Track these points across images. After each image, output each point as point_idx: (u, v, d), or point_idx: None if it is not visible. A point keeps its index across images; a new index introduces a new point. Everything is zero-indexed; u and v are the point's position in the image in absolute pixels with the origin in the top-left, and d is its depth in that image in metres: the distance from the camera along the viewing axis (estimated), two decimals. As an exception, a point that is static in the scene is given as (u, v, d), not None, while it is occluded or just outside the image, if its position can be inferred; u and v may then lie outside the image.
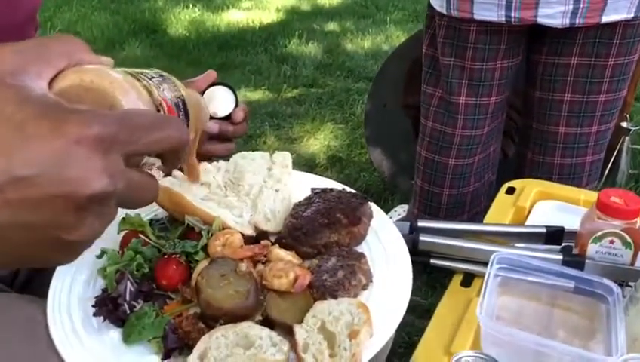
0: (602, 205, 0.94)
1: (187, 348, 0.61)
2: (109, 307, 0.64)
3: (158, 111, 0.44)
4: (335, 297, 0.64)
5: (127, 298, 0.63)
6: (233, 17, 4.24)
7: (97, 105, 0.40)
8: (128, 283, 0.64)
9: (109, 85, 0.41)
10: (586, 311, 0.93)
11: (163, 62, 3.61)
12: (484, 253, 1.03)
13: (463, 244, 1.08)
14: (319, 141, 2.74)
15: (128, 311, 0.63)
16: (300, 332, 0.60)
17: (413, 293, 0.69)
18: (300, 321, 0.63)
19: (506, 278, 0.98)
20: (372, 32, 3.96)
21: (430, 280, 1.89)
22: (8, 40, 0.45)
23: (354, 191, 0.79)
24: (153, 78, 0.47)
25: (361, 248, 0.76)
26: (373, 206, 0.77)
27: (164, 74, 0.50)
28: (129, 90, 0.42)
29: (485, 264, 0.95)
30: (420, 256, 1.11)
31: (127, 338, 0.62)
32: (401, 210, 2.28)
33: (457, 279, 1.09)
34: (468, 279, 1.10)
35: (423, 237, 1.09)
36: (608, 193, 0.90)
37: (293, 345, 0.60)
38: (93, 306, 0.65)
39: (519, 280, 0.97)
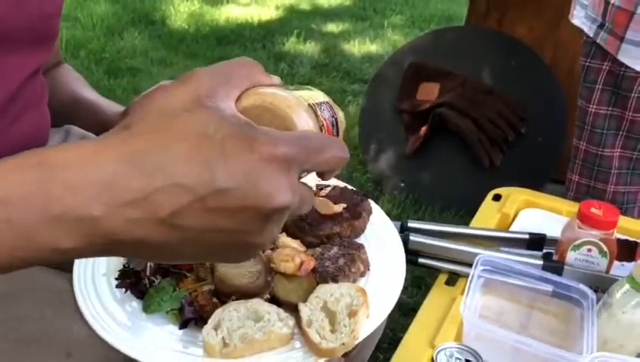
0: (582, 215, 0.98)
1: (201, 320, 0.67)
2: (131, 279, 0.70)
3: (321, 130, 0.48)
4: (336, 281, 0.71)
5: (148, 273, 0.69)
6: (232, 12, 4.27)
7: (274, 125, 0.44)
8: (148, 260, 0.68)
9: (286, 108, 0.45)
10: (562, 314, 0.97)
11: (161, 53, 3.64)
12: (469, 255, 1.08)
13: (450, 246, 1.13)
14: (313, 140, 2.78)
15: (148, 285, 0.69)
16: (304, 309, 0.67)
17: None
18: (304, 301, 0.69)
19: (489, 279, 1.02)
20: (369, 35, 4.01)
21: (415, 280, 1.95)
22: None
23: (355, 189, 0.85)
24: (312, 97, 0.50)
25: (360, 240, 0.82)
26: (372, 203, 0.84)
27: (321, 93, 0.53)
28: (302, 112, 0.46)
29: (470, 265, 1.00)
30: (409, 255, 1.17)
31: (147, 309, 0.68)
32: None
33: (442, 278, 1.15)
34: (452, 279, 1.15)
35: (412, 237, 1.15)
36: (589, 204, 0.94)
37: (298, 321, 0.66)
38: (116, 279, 0.71)
39: (501, 282, 1.02)
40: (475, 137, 2.28)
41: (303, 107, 0.47)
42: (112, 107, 0.92)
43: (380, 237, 0.82)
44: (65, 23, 3.81)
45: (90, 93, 0.96)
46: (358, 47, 3.83)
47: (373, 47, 3.85)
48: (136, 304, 0.70)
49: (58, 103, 0.88)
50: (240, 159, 0.37)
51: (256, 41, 3.80)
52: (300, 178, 0.44)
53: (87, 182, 0.36)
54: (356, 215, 0.78)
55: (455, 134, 2.33)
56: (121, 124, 0.40)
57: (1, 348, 0.63)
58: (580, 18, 1.48)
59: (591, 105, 1.50)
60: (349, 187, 0.87)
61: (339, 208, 0.77)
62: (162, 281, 0.69)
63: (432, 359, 0.78)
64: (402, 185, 2.39)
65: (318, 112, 0.48)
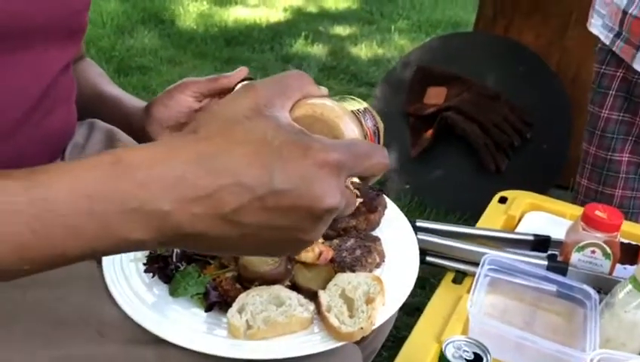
0: (587, 218, 1.00)
1: (225, 304, 0.70)
2: (159, 264, 0.73)
3: (365, 138, 0.52)
4: (353, 271, 0.75)
5: (174, 259, 0.72)
6: (240, 14, 4.30)
7: (324, 133, 0.47)
8: (175, 247, 0.70)
9: (335, 118, 0.50)
10: (566, 313, 0.98)
11: (170, 52, 3.67)
12: (475, 254, 1.10)
13: (457, 245, 1.16)
14: (320, 141, 2.81)
15: (174, 271, 0.72)
16: (323, 296, 0.70)
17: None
18: (323, 289, 0.73)
19: (495, 279, 1.04)
20: (376, 39, 4.04)
21: (419, 280, 1.97)
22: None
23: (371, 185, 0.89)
24: (359, 109, 0.54)
25: (376, 233, 0.85)
26: (386, 198, 0.87)
27: (364, 103, 0.58)
28: (348, 122, 0.50)
29: (476, 264, 1.02)
30: (417, 253, 1.19)
31: (174, 292, 0.71)
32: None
33: (449, 277, 1.17)
34: (459, 277, 1.17)
35: (420, 236, 1.17)
36: (594, 207, 0.96)
37: (317, 307, 0.70)
38: (144, 264, 0.74)
39: (507, 281, 1.04)
40: (481, 142, 2.30)
41: (349, 116, 0.51)
42: (132, 101, 0.95)
43: (395, 230, 0.85)
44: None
45: (112, 88, 0.98)
46: (365, 51, 3.86)
47: (380, 51, 3.87)
48: (163, 288, 0.73)
49: (82, 97, 0.90)
50: (296, 164, 0.41)
51: (265, 43, 3.83)
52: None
53: (158, 179, 0.40)
54: (372, 209, 0.82)
55: (461, 138, 2.35)
56: (189, 128, 0.44)
57: (38, 329, 0.66)
58: (597, 27, 1.51)
59: (603, 111, 1.53)
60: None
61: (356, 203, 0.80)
62: (187, 267, 0.73)
63: (441, 352, 0.80)
64: (407, 187, 2.42)
65: (362, 121, 0.52)
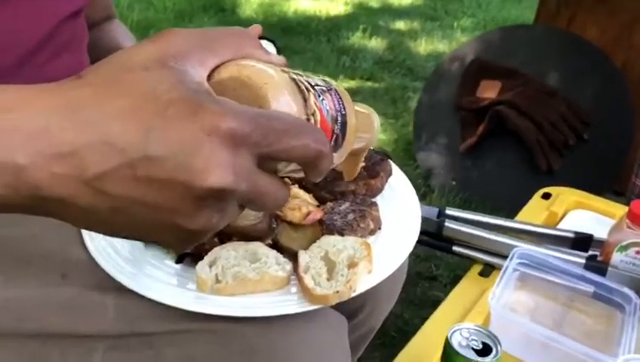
0: (633, 215, 0.93)
1: (200, 258, 0.66)
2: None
3: (308, 119, 0.42)
4: (342, 235, 0.69)
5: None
6: (301, 5, 4.30)
7: (249, 103, 0.38)
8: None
9: (263, 85, 0.40)
10: (602, 317, 0.93)
11: (228, 39, 3.70)
12: (506, 247, 1.04)
13: (486, 235, 1.09)
14: (367, 132, 2.76)
15: (152, 221, 0.68)
16: (303, 256, 0.65)
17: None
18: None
19: (525, 274, 0.98)
20: (437, 35, 3.95)
21: (442, 275, 1.89)
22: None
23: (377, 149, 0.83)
24: (317, 85, 0.45)
25: (377, 200, 0.79)
26: (395, 167, 0.80)
27: (335, 85, 0.48)
28: (282, 92, 0.40)
29: (506, 258, 0.96)
30: (443, 242, 1.12)
31: (147, 243, 0.67)
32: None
33: (476, 269, 1.11)
34: (487, 270, 1.11)
35: (448, 224, 1.11)
36: None
37: (296, 268, 0.64)
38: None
39: (538, 278, 0.98)
40: (534, 138, 2.19)
41: (288, 87, 0.41)
42: None
43: (398, 199, 0.78)
44: (138, 4, 3.94)
45: None
46: (425, 46, 3.77)
47: (440, 47, 3.78)
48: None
49: (103, 55, 0.90)
50: (179, 126, 0.33)
51: (322, 34, 3.80)
52: (279, 170, 0.39)
53: (14, 127, 0.33)
54: (374, 174, 0.75)
55: (513, 134, 2.24)
56: (80, 73, 0.37)
57: (2, 268, 0.64)
58: None
59: None
60: (371, 147, 0.83)
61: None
62: (167, 218, 0.69)
63: (447, 339, 0.74)
64: (453, 183, 2.33)
65: (312, 99, 0.42)
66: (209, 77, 0.39)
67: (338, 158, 0.47)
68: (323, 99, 0.44)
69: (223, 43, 0.40)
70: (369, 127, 0.56)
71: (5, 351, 0.62)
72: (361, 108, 0.54)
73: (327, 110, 0.44)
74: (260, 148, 0.35)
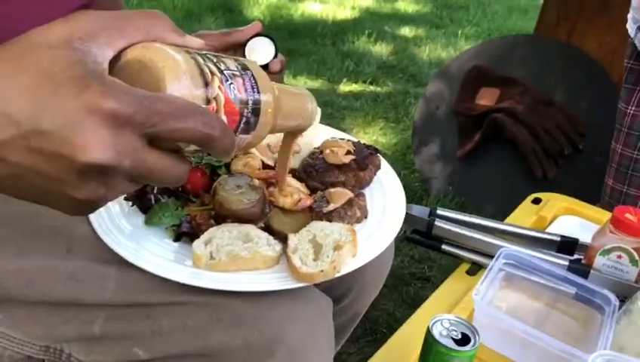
0: (616, 220, 0.94)
1: (196, 237, 0.70)
2: (137, 194, 0.73)
3: (209, 102, 0.42)
4: (330, 221, 0.73)
5: (155, 190, 0.72)
6: (308, 9, 4.34)
7: (148, 84, 0.40)
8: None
9: (160, 67, 0.40)
10: (582, 318, 0.94)
11: (234, 39, 3.73)
12: (493, 247, 1.06)
13: (474, 235, 1.12)
14: (368, 135, 2.80)
15: (154, 202, 0.72)
16: (292, 238, 0.69)
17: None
18: (296, 234, 0.71)
19: (510, 274, 1.00)
20: (441, 43, 3.99)
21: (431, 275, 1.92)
22: None
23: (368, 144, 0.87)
24: (228, 70, 0.45)
25: (365, 192, 0.83)
26: (384, 161, 0.85)
27: (252, 70, 0.48)
28: (181, 76, 0.41)
29: (493, 258, 0.99)
30: (432, 240, 1.16)
31: (148, 221, 0.72)
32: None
33: (464, 267, 1.13)
34: (474, 269, 1.14)
35: (438, 223, 1.14)
36: (624, 210, 0.91)
37: (286, 249, 0.69)
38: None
39: (523, 278, 1.00)
40: (530, 147, 2.22)
41: (189, 71, 0.41)
42: None
43: (385, 191, 0.82)
44: (148, 3, 3.98)
45: None
46: (428, 53, 3.81)
47: (443, 55, 3.82)
48: (141, 218, 0.73)
49: None
50: (66, 103, 0.36)
51: (327, 38, 3.85)
52: (182, 149, 0.41)
53: None
54: (363, 166, 0.79)
55: (509, 142, 2.28)
56: None
57: (13, 239, 0.68)
58: (629, 20, 1.46)
59: (629, 107, 1.47)
60: (362, 141, 0.88)
61: (347, 159, 0.78)
62: (168, 200, 0.73)
63: (428, 329, 0.77)
64: (450, 187, 2.36)
65: (215, 83, 0.42)
66: (118, 58, 0.41)
67: (255, 139, 0.49)
68: (231, 83, 0.44)
69: (134, 25, 0.42)
70: (301, 109, 0.57)
71: (14, 316, 0.66)
72: (295, 90, 0.56)
73: (235, 94, 0.44)
74: (144, 129, 0.38)
